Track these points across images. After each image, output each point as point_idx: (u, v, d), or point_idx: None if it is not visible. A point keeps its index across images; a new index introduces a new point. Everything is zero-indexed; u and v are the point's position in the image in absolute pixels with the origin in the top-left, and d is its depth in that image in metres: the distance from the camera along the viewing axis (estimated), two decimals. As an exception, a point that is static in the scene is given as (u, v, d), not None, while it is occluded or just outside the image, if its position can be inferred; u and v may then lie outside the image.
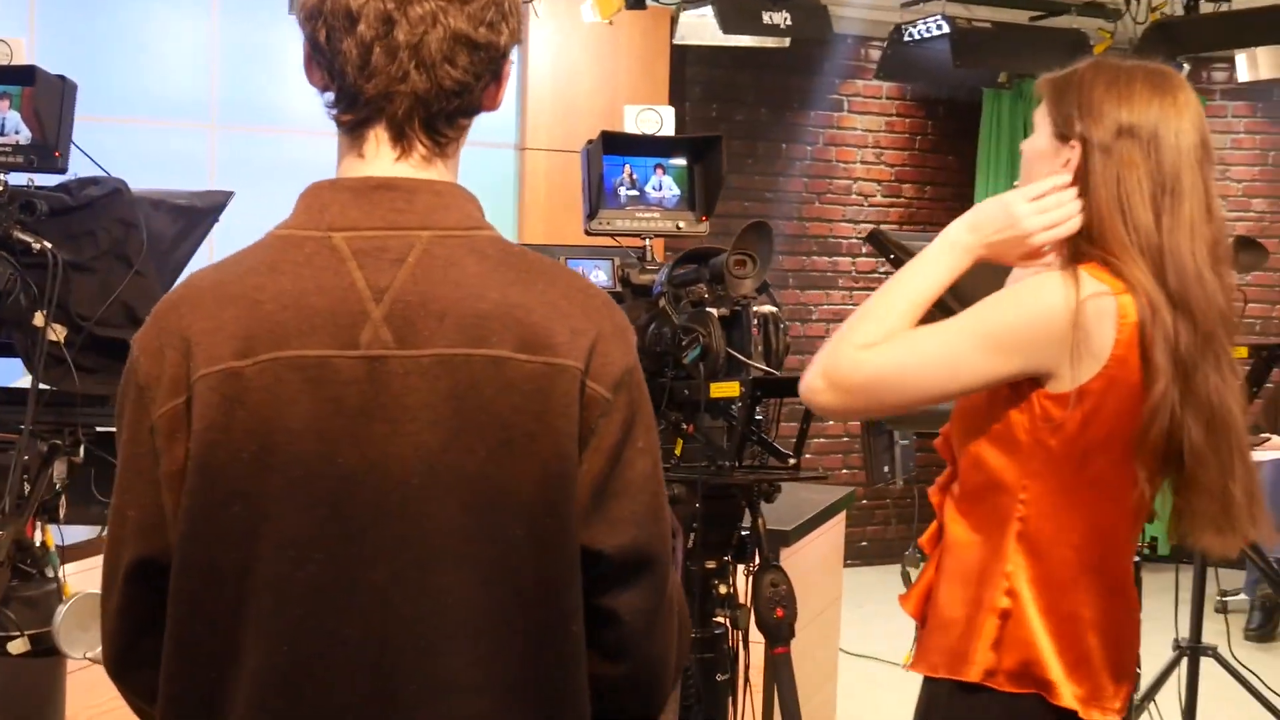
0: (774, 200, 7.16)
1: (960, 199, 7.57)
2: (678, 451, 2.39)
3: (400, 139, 1.40)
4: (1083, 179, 1.95)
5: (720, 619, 2.45)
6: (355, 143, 1.42)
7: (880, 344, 1.90)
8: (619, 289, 2.47)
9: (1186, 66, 6.19)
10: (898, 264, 3.30)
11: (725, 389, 2.27)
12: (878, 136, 7.49)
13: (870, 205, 7.50)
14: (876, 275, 7.52)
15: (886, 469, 3.31)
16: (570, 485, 1.37)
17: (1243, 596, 6.75)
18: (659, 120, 2.58)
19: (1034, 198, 1.94)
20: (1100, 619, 1.98)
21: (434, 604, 1.34)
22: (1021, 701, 1.95)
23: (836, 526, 4.69)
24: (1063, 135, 1.99)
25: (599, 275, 2.47)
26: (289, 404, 1.33)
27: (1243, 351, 2.87)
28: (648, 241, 2.56)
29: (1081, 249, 1.95)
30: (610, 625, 1.42)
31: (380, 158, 1.41)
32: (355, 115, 1.39)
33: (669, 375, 2.38)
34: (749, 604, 2.45)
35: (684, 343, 2.29)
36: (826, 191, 7.39)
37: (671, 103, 6.64)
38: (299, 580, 1.33)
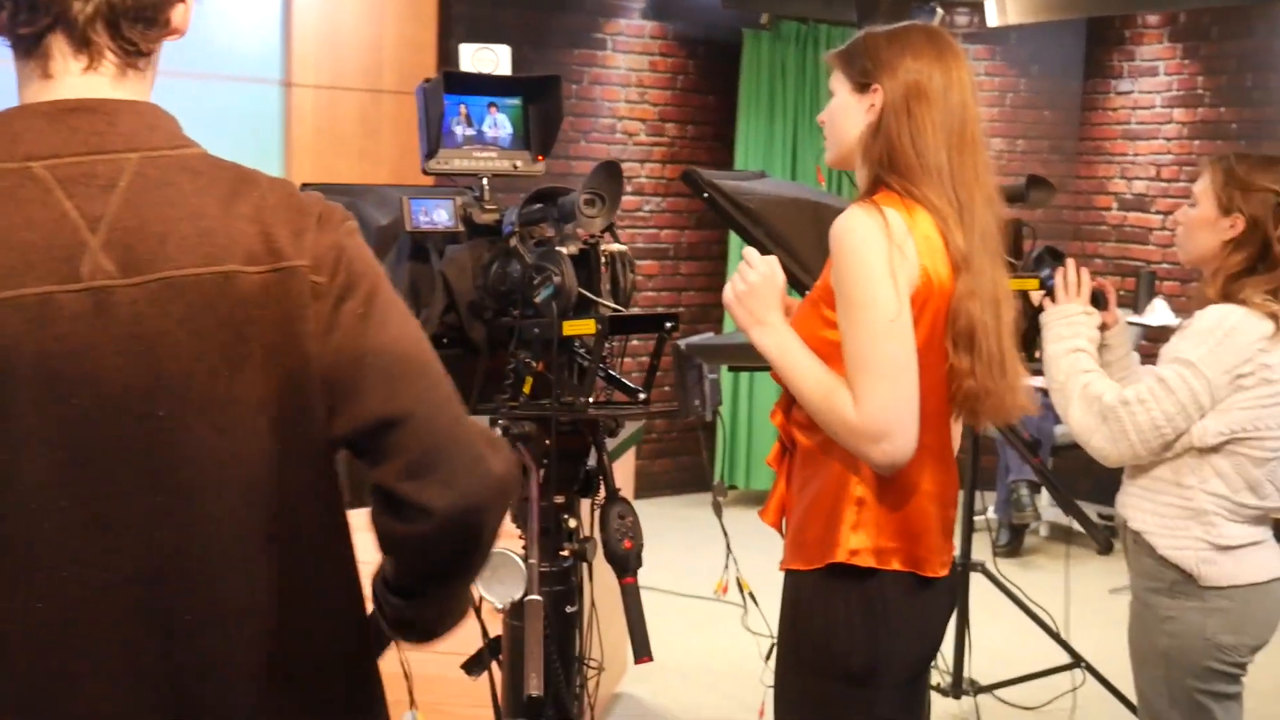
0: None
1: (721, 139, 7.73)
2: (527, 390, 2.41)
3: (86, 46, 1.34)
4: (882, 118, 2.23)
5: (566, 552, 2.49)
6: (39, 61, 1.35)
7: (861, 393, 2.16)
8: (460, 228, 2.47)
9: (940, 11, 6.45)
10: (712, 203, 3.39)
11: (580, 326, 2.30)
12: (641, 75, 7.56)
13: (635, 144, 7.58)
14: (640, 214, 7.62)
15: (697, 402, 3.40)
16: (316, 385, 1.37)
17: (992, 515, 7.17)
18: (495, 59, 2.58)
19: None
20: (935, 489, 2.29)
21: (200, 532, 1.33)
22: (882, 575, 2.24)
23: (629, 461, 4.79)
24: (861, 85, 2.27)
25: (441, 214, 2.45)
26: (12, 349, 1.26)
27: (1034, 284, 3.05)
28: (485, 181, 2.56)
29: (881, 179, 2.25)
30: (398, 501, 1.40)
31: (69, 72, 1.35)
32: (35, 26, 1.33)
33: (515, 314, 2.40)
34: (595, 536, 2.51)
35: (536, 281, 2.31)
36: (592, 130, 7.44)
37: (440, 40, 6.58)
38: (47, 530, 1.29)
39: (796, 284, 3.27)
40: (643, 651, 2.41)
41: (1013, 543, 6.87)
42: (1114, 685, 4.44)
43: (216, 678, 1.36)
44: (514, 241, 2.36)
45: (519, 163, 2.58)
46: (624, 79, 7.51)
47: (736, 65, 7.55)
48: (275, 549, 1.37)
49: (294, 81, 6.24)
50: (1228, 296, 2.79)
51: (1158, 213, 7.77)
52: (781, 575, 2.37)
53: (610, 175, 2.33)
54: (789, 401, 2.34)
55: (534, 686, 2.17)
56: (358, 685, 1.49)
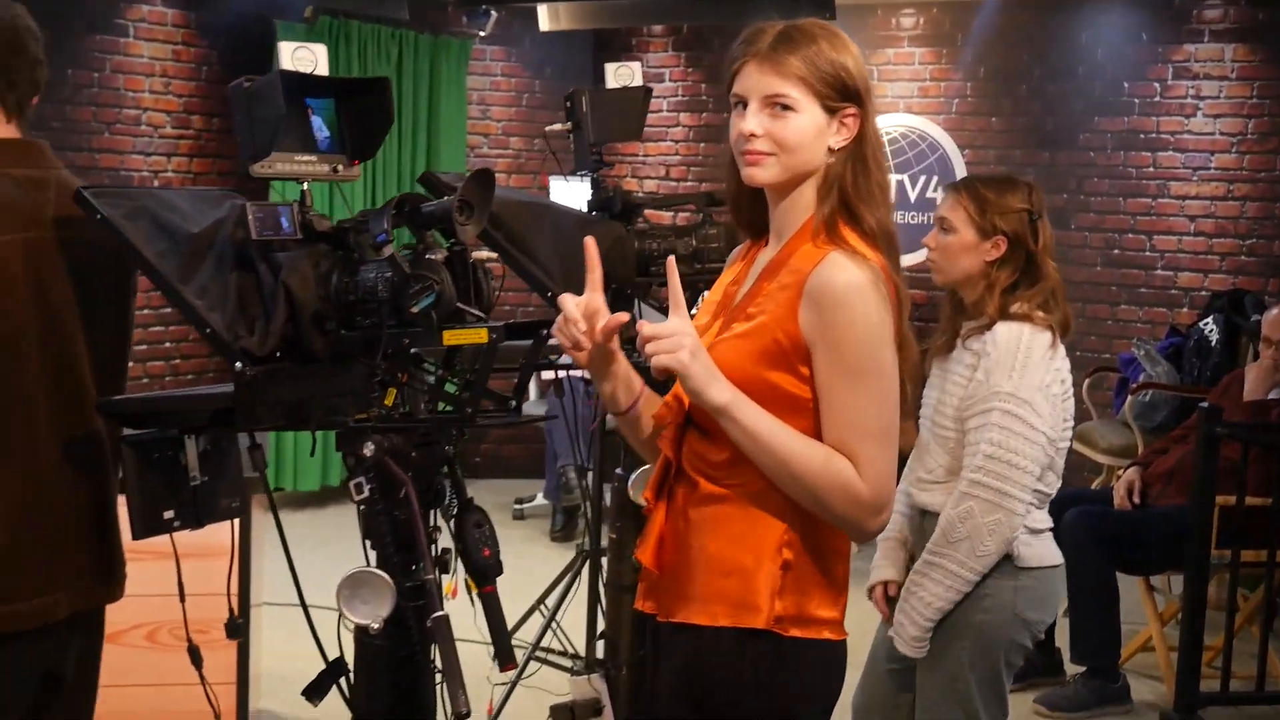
0: (61, 130, 6.65)
1: (248, 132, 7.46)
2: (389, 402, 2.35)
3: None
4: (856, 144, 2.08)
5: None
6: None
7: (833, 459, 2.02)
8: (300, 235, 2.35)
9: (494, 14, 6.57)
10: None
11: (468, 336, 2.26)
12: (165, 65, 7.18)
13: (160, 136, 7.19)
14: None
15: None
16: None
17: (542, 501, 7.42)
18: (314, 59, 2.47)
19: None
20: (846, 545, 2.15)
21: None
22: (803, 644, 2.10)
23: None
24: (843, 100, 2.08)
25: (282, 222, 2.33)
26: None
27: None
28: (305, 186, 2.45)
29: (838, 213, 2.09)
30: None
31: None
32: None
33: (366, 324, 2.33)
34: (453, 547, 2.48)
35: (414, 290, 2.25)
36: (116, 122, 6.98)
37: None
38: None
39: (540, 288, 3.31)
40: (508, 659, 2.41)
41: (566, 526, 7.14)
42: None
43: None
44: (387, 250, 2.28)
45: (339, 166, 2.49)
46: (148, 68, 7.10)
47: (267, 57, 7.31)
48: None
49: None
50: (1004, 310, 3.02)
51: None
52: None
53: (481, 183, 2.31)
54: (678, 436, 2.18)
55: (463, 704, 2.14)
56: None
